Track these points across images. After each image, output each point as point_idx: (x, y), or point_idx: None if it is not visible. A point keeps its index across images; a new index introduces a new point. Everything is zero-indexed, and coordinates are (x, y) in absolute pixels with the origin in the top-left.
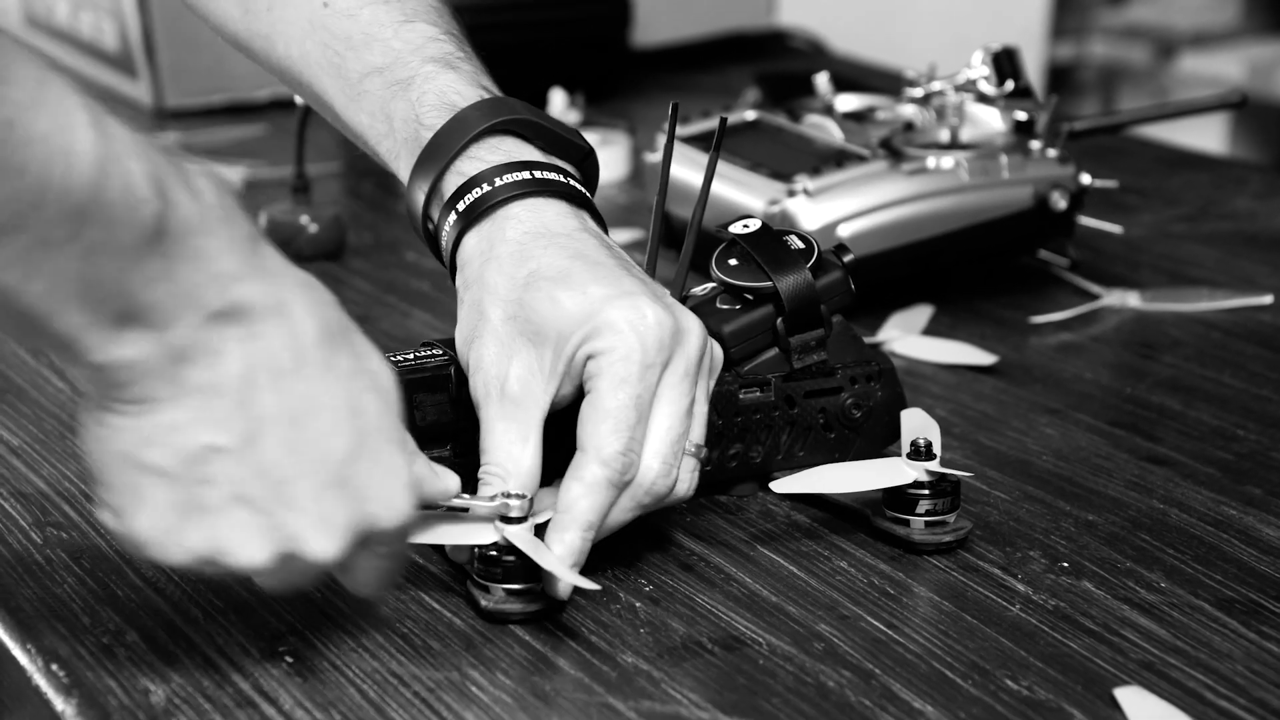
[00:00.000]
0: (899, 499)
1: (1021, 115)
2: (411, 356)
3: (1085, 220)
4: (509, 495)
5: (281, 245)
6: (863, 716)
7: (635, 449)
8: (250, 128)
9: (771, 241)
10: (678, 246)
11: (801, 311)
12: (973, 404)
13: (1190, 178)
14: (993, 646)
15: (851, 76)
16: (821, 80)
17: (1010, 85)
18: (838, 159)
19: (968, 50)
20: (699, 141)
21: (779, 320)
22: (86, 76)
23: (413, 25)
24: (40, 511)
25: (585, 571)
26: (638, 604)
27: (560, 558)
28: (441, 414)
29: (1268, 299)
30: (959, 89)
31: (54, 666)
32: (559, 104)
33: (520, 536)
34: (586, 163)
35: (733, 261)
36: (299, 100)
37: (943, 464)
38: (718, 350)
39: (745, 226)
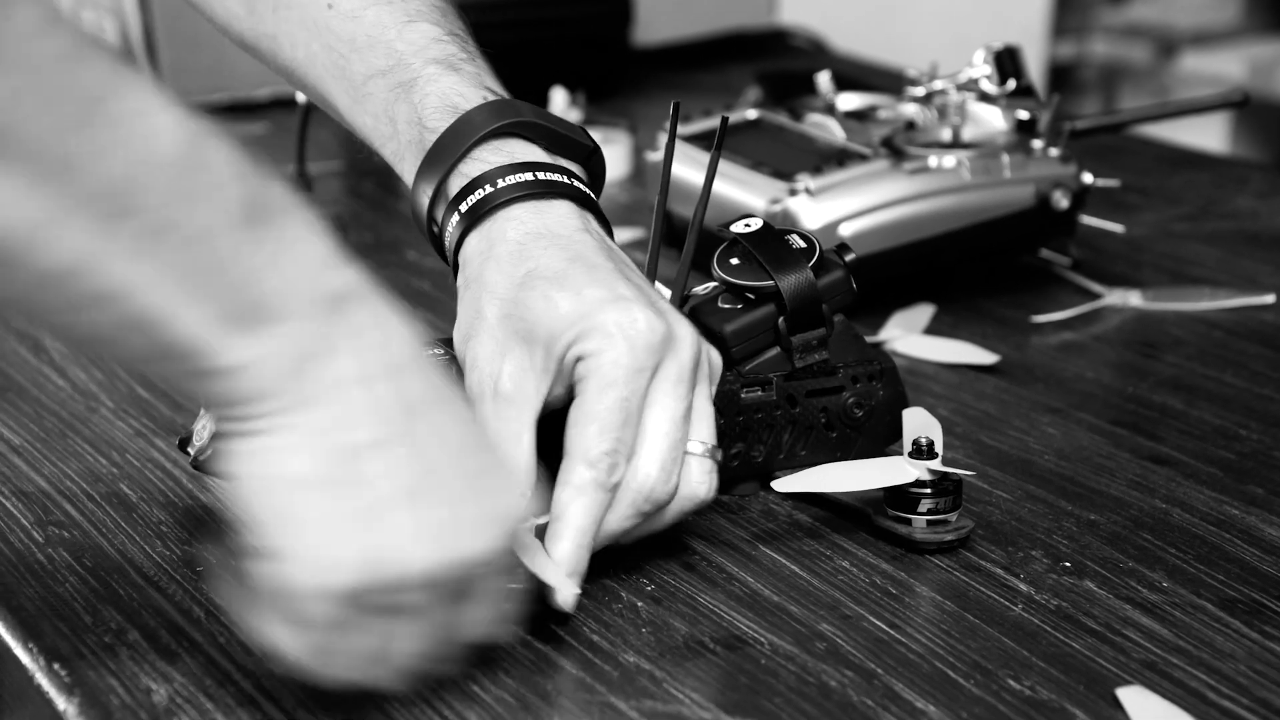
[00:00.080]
0: (901, 498)
1: (1023, 114)
2: None
3: (1087, 219)
4: None
5: None
6: (865, 716)
7: (622, 450)
8: (251, 126)
9: (773, 241)
10: (679, 246)
11: (803, 310)
12: (974, 403)
13: (1192, 177)
14: (995, 646)
15: (853, 75)
16: (823, 79)
17: (1012, 84)
18: (839, 158)
19: (968, 49)
20: (700, 140)
21: (781, 319)
22: None
23: (416, 26)
24: (42, 510)
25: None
26: (639, 603)
27: (557, 566)
28: None
29: (1270, 298)
30: (961, 88)
31: (56, 665)
32: (560, 103)
33: (517, 539)
34: (592, 160)
35: (734, 261)
36: (300, 99)
37: (945, 463)
38: (715, 356)
39: (747, 226)
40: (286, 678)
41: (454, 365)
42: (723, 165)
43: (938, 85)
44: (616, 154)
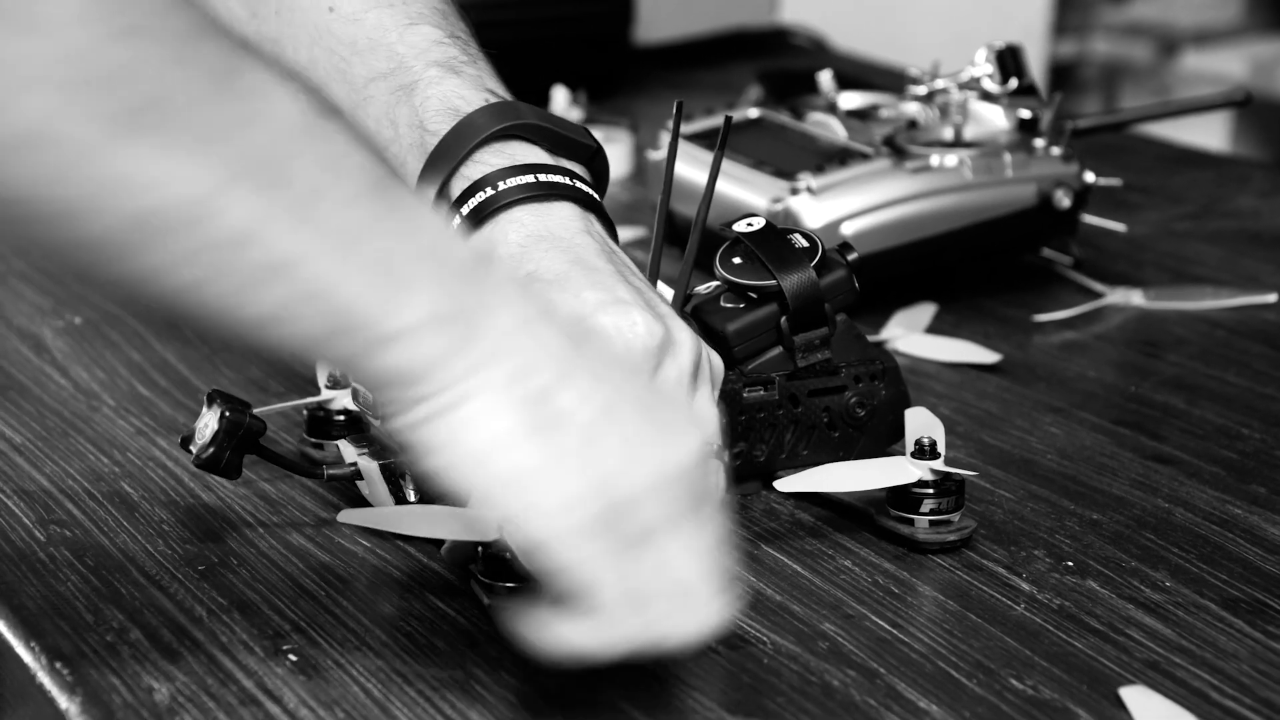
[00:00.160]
0: (903, 498)
1: (1025, 113)
2: None
3: (1089, 218)
4: None
5: None
6: (867, 716)
7: None
8: None
9: (775, 240)
10: (682, 245)
11: (805, 310)
12: (976, 402)
13: (1193, 176)
14: (997, 646)
15: (854, 74)
16: (824, 78)
17: (1014, 83)
18: (841, 157)
19: (969, 47)
20: (702, 139)
21: (783, 319)
22: None
23: (417, 29)
24: (44, 509)
25: None
26: None
27: None
28: None
29: (1272, 297)
30: (962, 87)
31: (57, 665)
32: (561, 101)
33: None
34: (595, 161)
35: (736, 260)
36: None
37: (947, 463)
38: (716, 360)
39: (749, 225)
40: (287, 677)
41: None
42: (724, 164)
43: (939, 84)
44: (617, 153)
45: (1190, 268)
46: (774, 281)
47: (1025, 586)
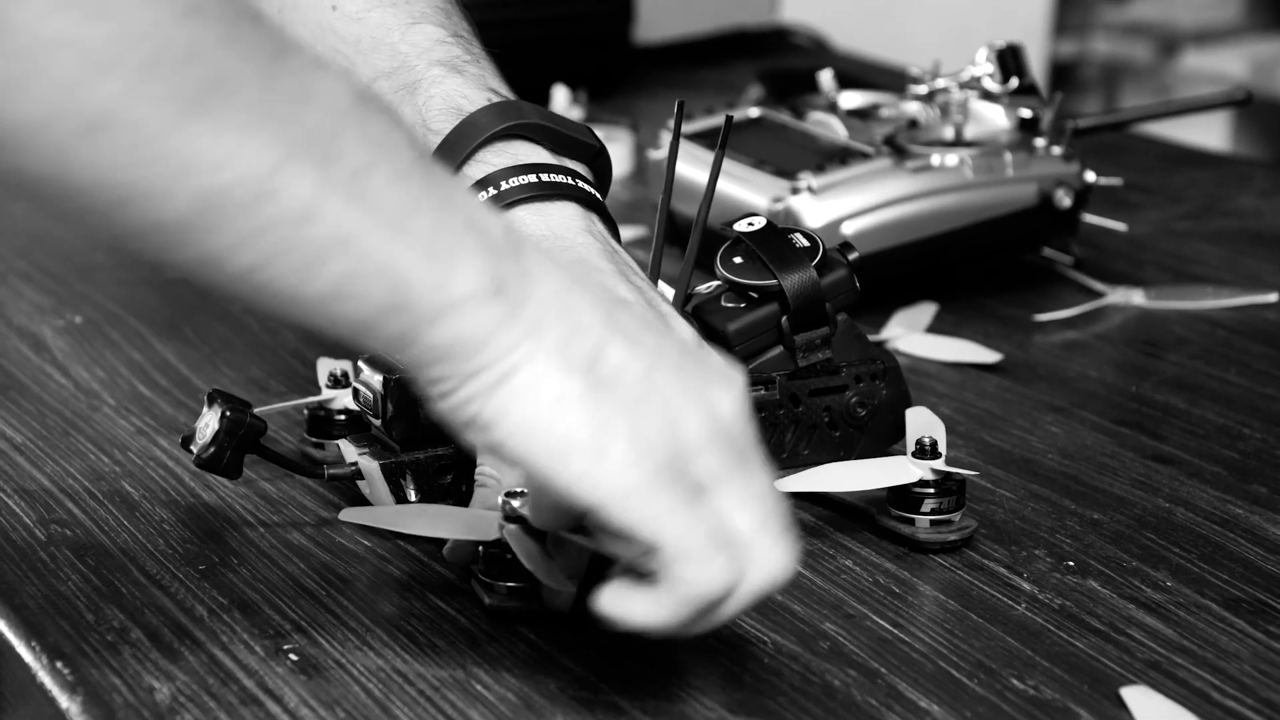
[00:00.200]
0: (904, 497)
1: (1026, 112)
2: None
3: (1089, 218)
4: (511, 493)
5: None
6: (868, 715)
7: None
8: None
9: (776, 239)
10: (682, 244)
11: (806, 309)
12: (977, 402)
13: (1194, 175)
14: (998, 645)
15: (855, 73)
16: (825, 77)
17: (1015, 82)
18: (842, 156)
19: (969, 47)
20: (702, 139)
21: (784, 318)
22: None
23: (420, 28)
24: (44, 509)
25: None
26: None
27: (560, 568)
28: None
29: (1273, 296)
30: (963, 86)
31: (58, 664)
32: (561, 100)
33: (518, 538)
34: (598, 161)
35: (737, 259)
36: None
37: (948, 462)
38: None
39: (750, 224)
40: (288, 677)
41: None
42: (725, 164)
43: (940, 83)
44: (618, 152)
45: (1191, 267)
46: (775, 281)
47: (1026, 586)
